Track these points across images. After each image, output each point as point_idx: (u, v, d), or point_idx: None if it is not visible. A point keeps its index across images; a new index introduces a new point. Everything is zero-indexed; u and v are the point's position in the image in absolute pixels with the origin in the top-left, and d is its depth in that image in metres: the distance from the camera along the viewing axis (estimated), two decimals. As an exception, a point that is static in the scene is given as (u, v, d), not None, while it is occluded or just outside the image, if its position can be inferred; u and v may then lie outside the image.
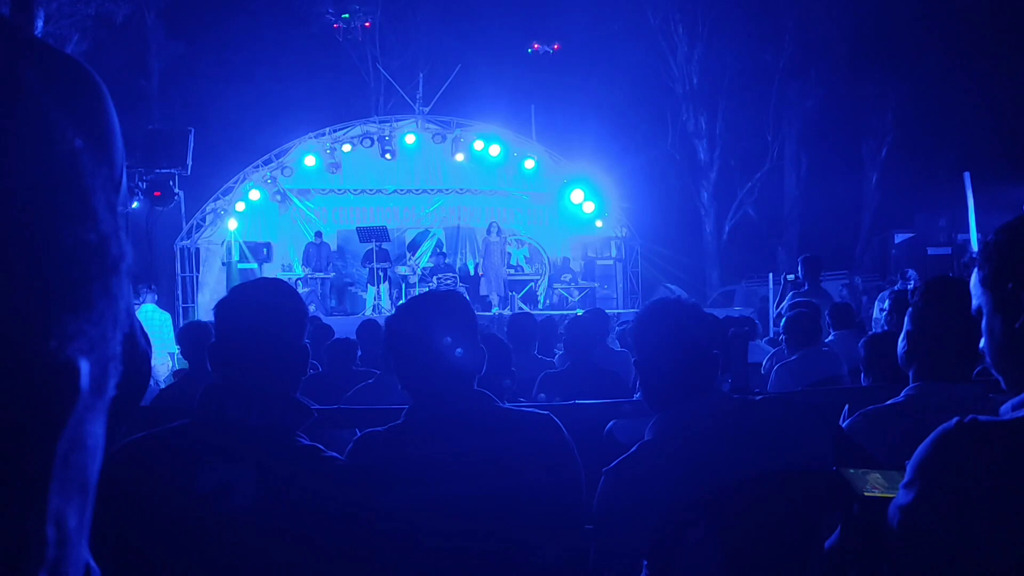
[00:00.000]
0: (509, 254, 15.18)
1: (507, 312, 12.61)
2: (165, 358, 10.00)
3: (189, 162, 11.77)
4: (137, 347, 0.84)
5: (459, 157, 15.77)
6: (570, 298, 15.10)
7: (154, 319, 9.85)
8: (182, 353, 5.96)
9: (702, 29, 23.24)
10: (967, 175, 13.36)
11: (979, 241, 11.20)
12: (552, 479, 1.81)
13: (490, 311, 13.36)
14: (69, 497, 0.37)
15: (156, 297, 10.31)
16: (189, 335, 5.10)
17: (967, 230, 13.58)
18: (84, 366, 0.36)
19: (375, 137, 15.70)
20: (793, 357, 5.03)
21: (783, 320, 5.27)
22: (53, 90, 0.42)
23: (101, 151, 0.44)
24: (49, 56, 0.46)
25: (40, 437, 0.36)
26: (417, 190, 16.13)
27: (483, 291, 14.25)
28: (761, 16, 22.50)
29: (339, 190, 15.89)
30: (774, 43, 22.90)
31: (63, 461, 0.36)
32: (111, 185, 0.41)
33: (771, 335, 8.40)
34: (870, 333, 4.57)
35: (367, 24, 24.17)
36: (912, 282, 10.27)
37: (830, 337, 5.91)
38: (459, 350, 1.84)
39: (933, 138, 21.28)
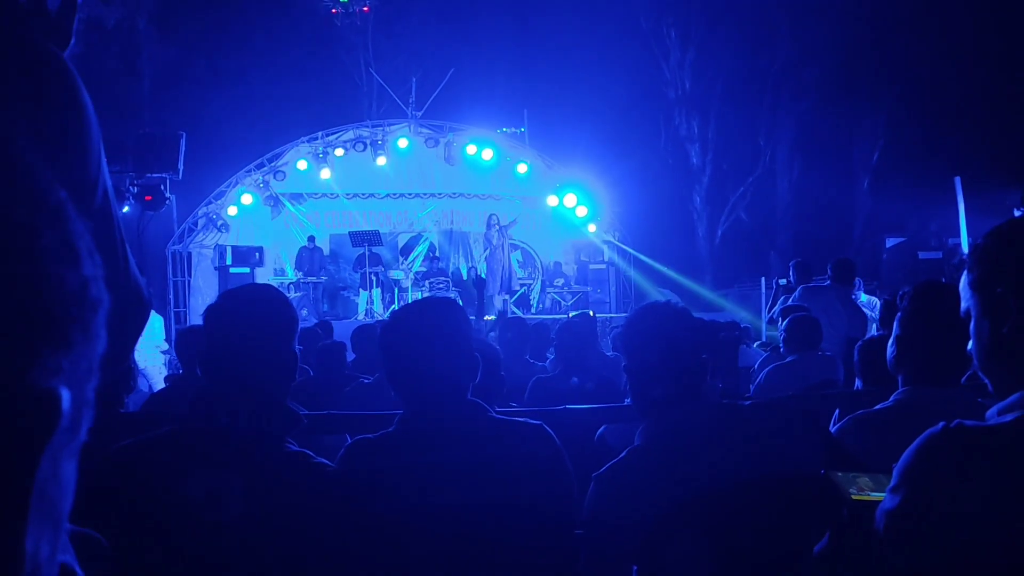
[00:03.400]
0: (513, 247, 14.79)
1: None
2: (155, 353, 9.95)
3: (181, 166, 11.72)
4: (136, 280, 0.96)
5: (451, 162, 15.74)
6: (563, 302, 15.07)
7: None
8: (177, 357, 5.95)
9: (694, 33, 23.28)
10: (958, 180, 13.41)
11: (970, 245, 11.21)
12: (543, 489, 1.80)
13: (487, 316, 13.15)
14: (43, 528, 0.39)
15: (147, 301, 10.22)
16: (185, 340, 5.08)
17: (958, 234, 13.62)
18: (65, 394, 0.37)
19: (367, 141, 15.65)
20: (789, 359, 4.99)
21: (785, 320, 5.18)
22: (41, 149, 0.44)
23: (84, 195, 0.45)
24: (38, 106, 0.46)
25: (22, 463, 0.37)
26: (410, 194, 16.09)
27: (489, 291, 13.95)
28: (754, 21, 22.57)
29: (331, 194, 15.83)
30: (767, 48, 22.96)
31: (40, 491, 0.37)
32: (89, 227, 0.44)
33: (763, 339, 8.43)
34: (865, 337, 4.55)
35: (365, 8, 24.02)
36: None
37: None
38: (451, 359, 1.83)
39: (924, 143, 21.36)
